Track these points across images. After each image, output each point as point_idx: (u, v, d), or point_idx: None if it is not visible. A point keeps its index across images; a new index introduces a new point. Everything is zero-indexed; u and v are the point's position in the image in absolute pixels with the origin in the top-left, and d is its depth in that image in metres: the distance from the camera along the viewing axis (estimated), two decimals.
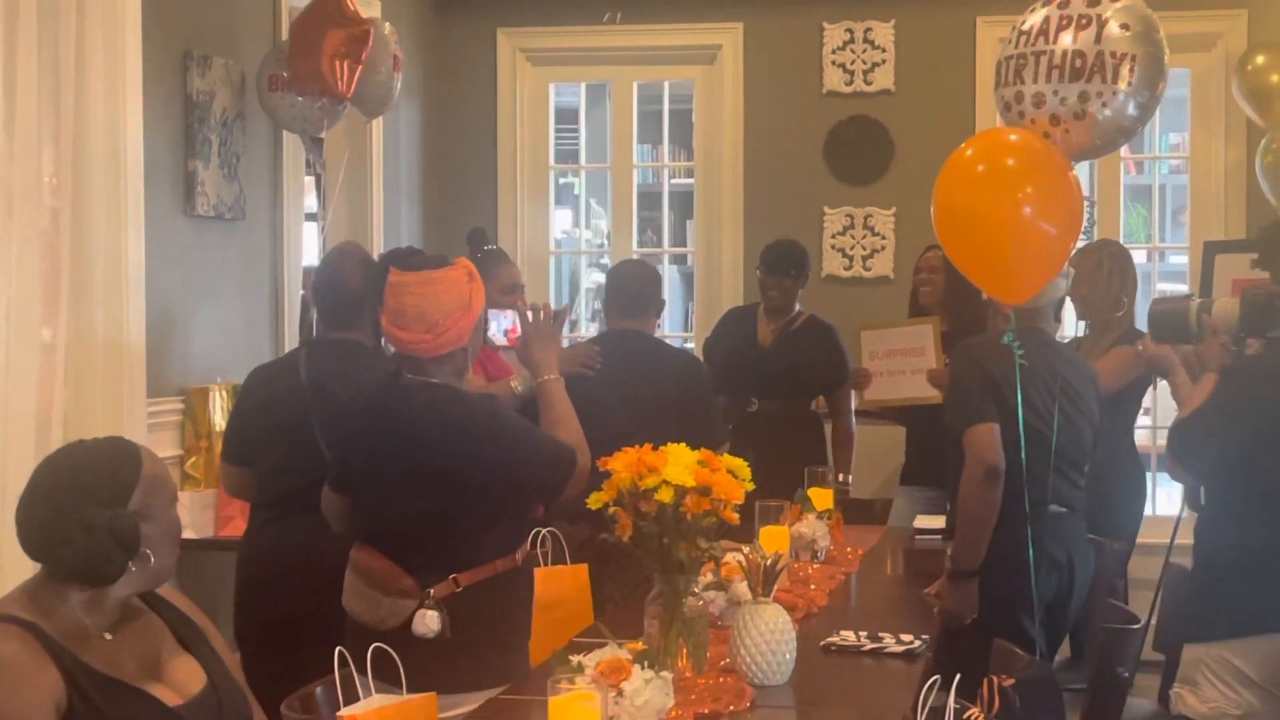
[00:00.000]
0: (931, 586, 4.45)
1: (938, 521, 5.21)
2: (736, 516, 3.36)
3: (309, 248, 6.47)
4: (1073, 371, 4.54)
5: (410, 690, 3.04)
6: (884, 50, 7.65)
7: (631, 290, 5.33)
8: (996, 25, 7.38)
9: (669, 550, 3.31)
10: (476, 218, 7.83)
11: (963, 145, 4.34)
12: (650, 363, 5.19)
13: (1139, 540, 5.78)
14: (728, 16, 7.77)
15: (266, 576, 4.41)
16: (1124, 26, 4.05)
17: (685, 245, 9.06)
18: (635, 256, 7.87)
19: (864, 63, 7.66)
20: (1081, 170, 4.32)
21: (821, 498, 4.92)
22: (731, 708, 3.22)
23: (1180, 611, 4.53)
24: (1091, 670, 4.32)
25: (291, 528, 4.33)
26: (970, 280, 4.40)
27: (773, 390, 6.33)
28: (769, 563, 3.48)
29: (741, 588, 3.69)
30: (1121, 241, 6.73)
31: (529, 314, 4.10)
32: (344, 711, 2.94)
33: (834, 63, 7.68)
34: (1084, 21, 4.07)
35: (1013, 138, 4.20)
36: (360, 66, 5.73)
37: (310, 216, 6.60)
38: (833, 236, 7.69)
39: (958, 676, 2.74)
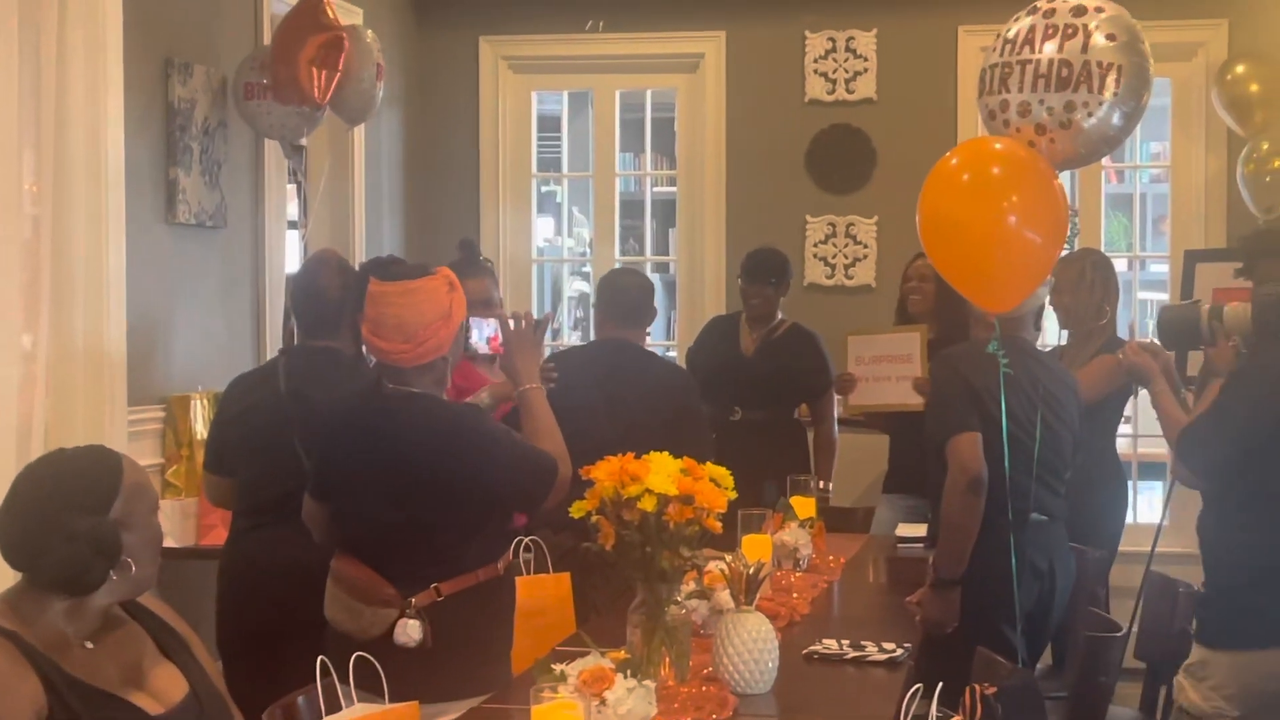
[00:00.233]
0: (914, 595, 4.45)
1: (920, 530, 5.22)
2: (719, 525, 3.36)
3: (291, 256, 6.46)
4: (1053, 380, 4.55)
5: (392, 699, 3.03)
6: (866, 59, 7.66)
7: (630, 300, 5.29)
8: (978, 34, 7.39)
9: (651, 559, 3.31)
10: (459, 226, 7.83)
11: (948, 154, 4.35)
12: (640, 374, 5.18)
13: (1120, 548, 5.79)
14: (710, 25, 7.78)
15: (248, 585, 4.40)
16: (1110, 37, 4.06)
17: (667, 254, 9.05)
18: (618, 265, 7.87)
19: (846, 71, 7.67)
20: (1063, 179, 4.33)
21: (803, 506, 4.92)
22: (714, 716, 3.22)
23: (1180, 612, 4.55)
24: (1073, 678, 4.32)
25: (272, 536, 4.32)
26: (955, 289, 4.41)
27: (755, 399, 6.34)
28: (751, 571, 3.48)
29: (724, 596, 3.68)
30: (1103, 250, 6.75)
31: (510, 322, 4.10)
32: None
33: (816, 71, 7.69)
34: (1070, 31, 4.08)
35: (998, 146, 4.21)
36: (338, 74, 5.72)
37: (292, 224, 6.59)
38: (815, 245, 7.69)
39: (940, 685, 2.74)
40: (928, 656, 4.00)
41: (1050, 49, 4.09)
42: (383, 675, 3.02)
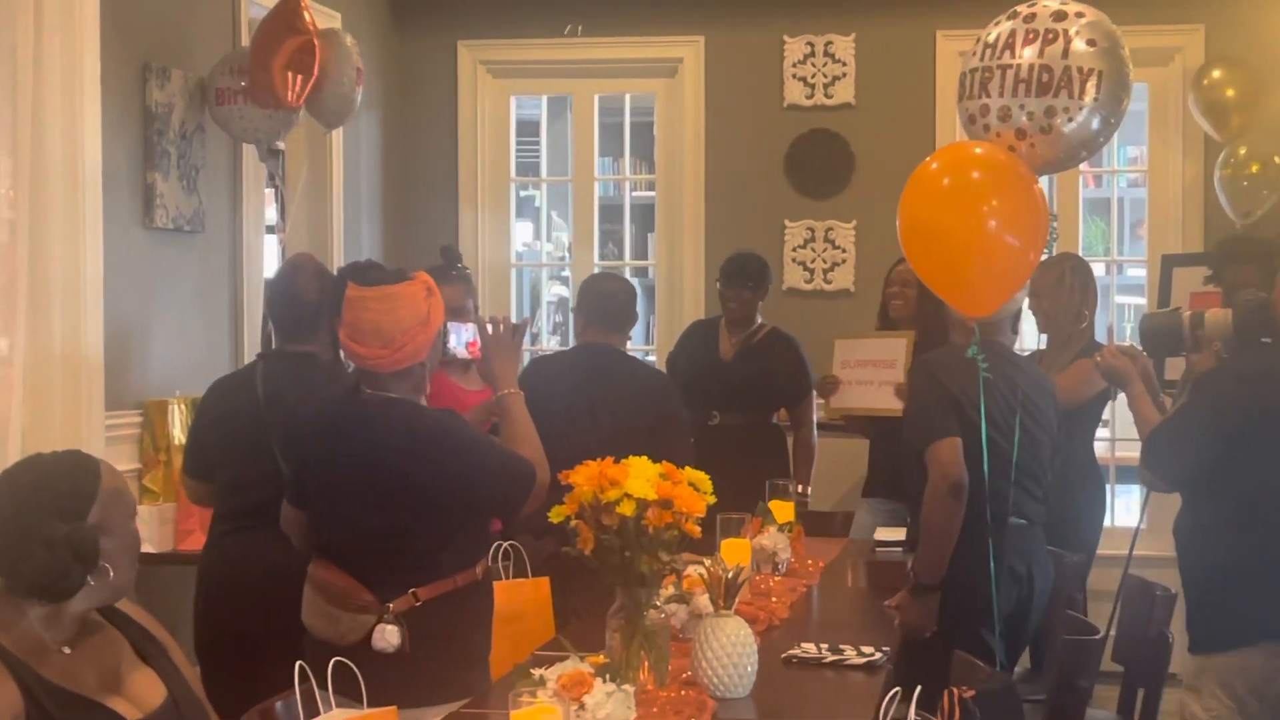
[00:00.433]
0: (892, 598, 4.46)
1: (898, 534, 5.23)
2: (698, 529, 3.36)
3: (269, 260, 6.44)
4: (1031, 384, 4.56)
5: (371, 705, 3.03)
6: (844, 64, 7.67)
7: (615, 305, 5.25)
8: (956, 39, 7.42)
9: (631, 563, 3.31)
10: (437, 230, 7.83)
11: (928, 158, 4.35)
12: (623, 379, 5.16)
13: (1098, 551, 5.80)
14: (689, 30, 7.79)
15: (226, 590, 4.39)
16: (1090, 42, 4.07)
17: (646, 258, 9.05)
18: (597, 269, 7.87)
19: (825, 76, 7.68)
20: (1041, 184, 4.34)
21: (782, 510, 4.92)
22: None
23: (1137, 620, 4.56)
24: (1051, 682, 4.33)
25: (251, 541, 4.32)
26: (935, 294, 4.41)
27: (734, 403, 6.34)
28: (730, 575, 3.48)
29: (703, 600, 3.68)
30: (1080, 255, 6.78)
31: (489, 327, 4.09)
32: None
33: (795, 76, 7.71)
34: (1050, 36, 4.08)
35: (978, 151, 4.22)
36: (311, 78, 5.70)
37: (270, 229, 6.57)
38: (794, 249, 7.70)
39: (918, 688, 2.74)
40: (906, 660, 4.01)
41: (1030, 54, 4.09)
42: (361, 681, 3.01)
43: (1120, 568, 5.71)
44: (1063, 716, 4.05)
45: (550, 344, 10.16)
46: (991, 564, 4.25)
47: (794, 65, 7.71)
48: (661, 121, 8.03)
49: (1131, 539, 6.16)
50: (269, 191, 6.49)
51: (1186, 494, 4.18)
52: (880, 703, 2.78)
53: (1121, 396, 4.88)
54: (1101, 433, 6.37)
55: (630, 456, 3.37)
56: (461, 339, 4.38)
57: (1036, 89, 4.07)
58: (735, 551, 4.22)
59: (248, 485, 4.36)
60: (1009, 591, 4.38)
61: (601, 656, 3.16)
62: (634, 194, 9.13)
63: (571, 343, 5.63)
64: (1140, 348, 4.64)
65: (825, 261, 7.69)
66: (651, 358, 7.97)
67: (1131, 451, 7.69)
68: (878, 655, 3.80)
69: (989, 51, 4.17)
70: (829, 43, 7.68)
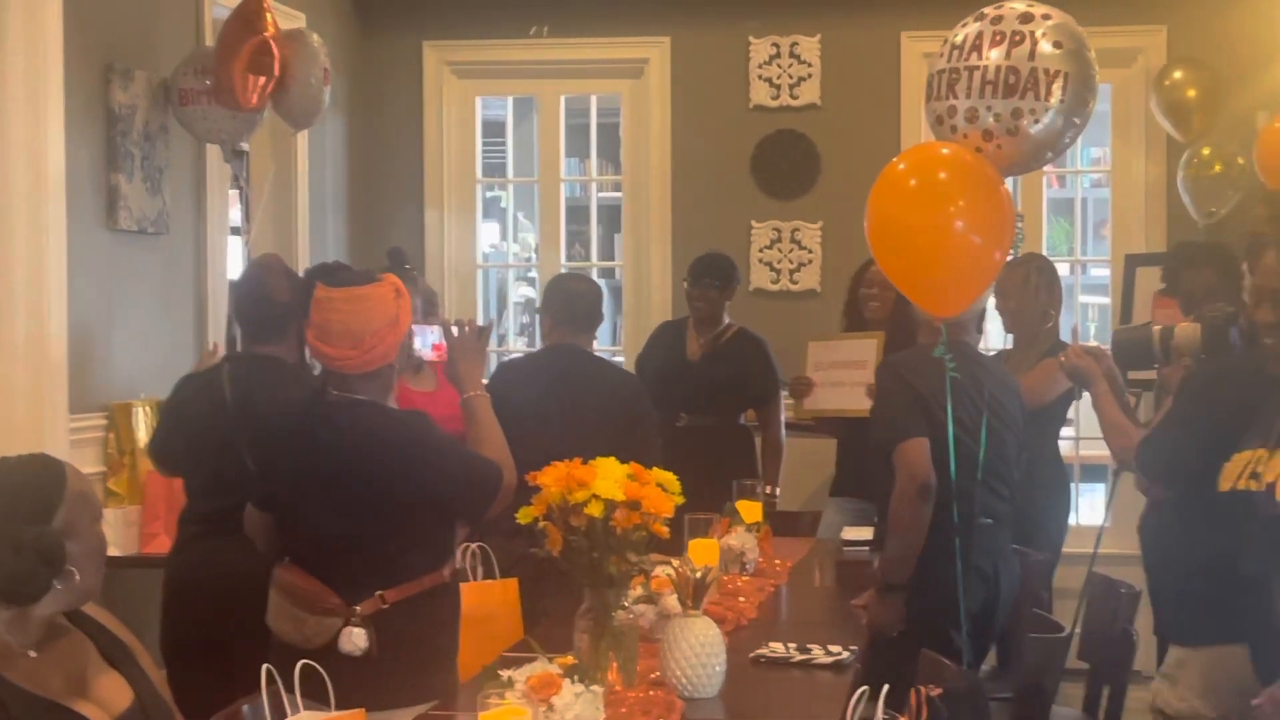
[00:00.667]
0: (860, 598, 4.47)
1: (866, 533, 5.24)
2: (666, 530, 3.36)
3: (233, 262, 6.42)
4: (997, 383, 4.58)
5: (338, 708, 3.02)
6: (810, 65, 7.68)
7: (583, 305, 5.24)
8: (921, 40, 7.44)
9: (599, 564, 3.31)
10: (403, 231, 7.82)
11: (896, 159, 4.37)
12: (593, 380, 5.15)
13: (1062, 550, 5.83)
14: (654, 31, 7.79)
15: (194, 593, 4.38)
16: (1056, 44, 4.08)
17: (613, 259, 9.06)
18: (564, 270, 7.86)
19: (790, 77, 7.69)
20: (1006, 184, 4.35)
21: (750, 510, 4.92)
22: None
23: (1112, 617, 4.58)
24: (1017, 680, 4.35)
25: (219, 545, 4.29)
26: (902, 293, 4.42)
27: (701, 404, 6.35)
28: (698, 576, 3.49)
29: (671, 601, 3.69)
30: (1045, 255, 6.81)
31: (454, 329, 4.08)
32: None
33: (760, 77, 7.72)
34: (1017, 38, 4.09)
35: (945, 152, 4.23)
36: (270, 79, 5.67)
37: (234, 230, 6.55)
38: (760, 250, 7.71)
39: (886, 687, 2.75)
40: (873, 659, 4.02)
41: (997, 55, 4.10)
42: (328, 684, 3.00)
43: (1084, 565, 5.74)
44: (1029, 714, 4.07)
45: (517, 345, 10.14)
46: (959, 563, 4.26)
47: (760, 66, 7.72)
48: (627, 122, 8.03)
49: (1096, 537, 6.20)
50: (233, 193, 6.47)
51: (1182, 494, 4.20)
52: (848, 702, 2.79)
53: (1086, 396, 4.91)
54: (1066, 432, 6.40)
55: (599, 458, 3.37)
56: (426, 341, 4.37)
57: (1003, 90, 4.09)
58: (703, 552, 4.22)
59: (215, 489, 4.35)
60: (976, 590, 4.40)
61: (570, 657, 3.15)
62: (600, 195, 9.14)
63: (538, 344, 5.62)
64: (1107, 350, 4.66)
65: (792, 262, 7.70)
66: (619, 358, 7.97)
67: (1095, 450, 7.76)
68: (845, 654, 3.81)
69: (956, 53, 4.18)
70: (794, 44, 7.69)
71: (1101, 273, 8.59)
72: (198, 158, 6.17)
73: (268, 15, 5.73)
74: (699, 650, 3.41)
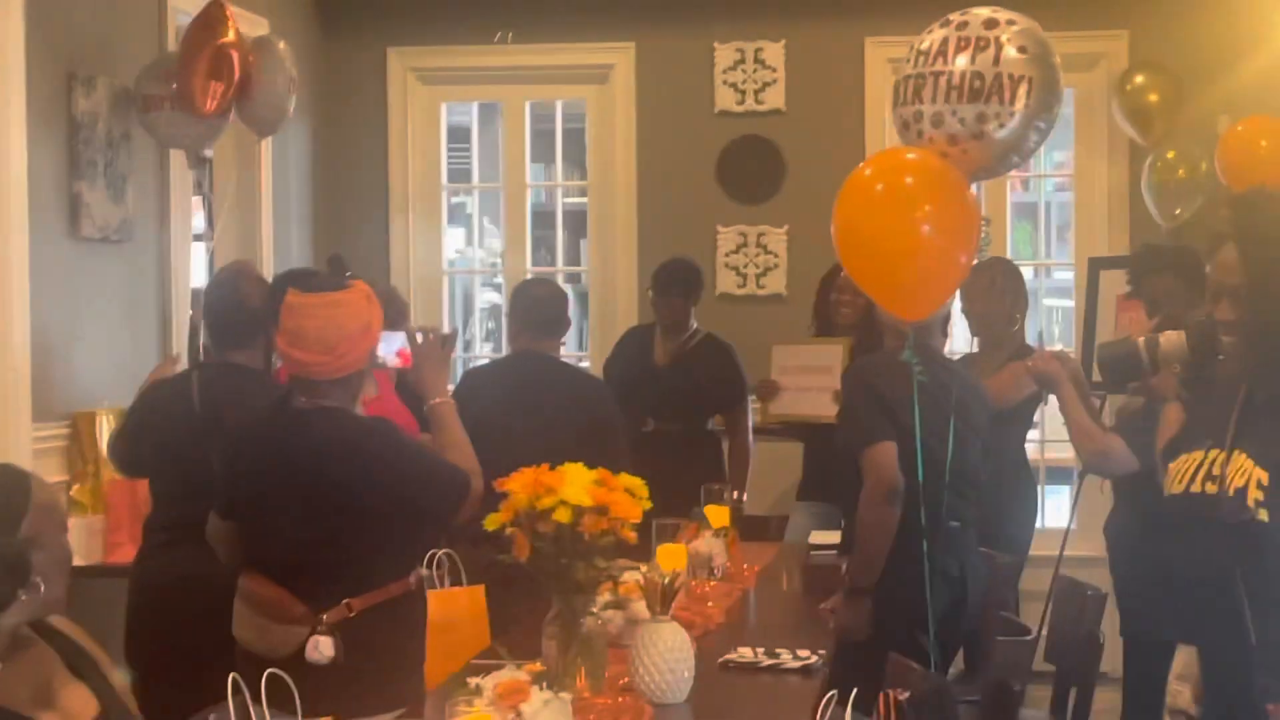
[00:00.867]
0: (828, 602, 4.48)
1: (833, 537, 5.24)
2: (634, 535, 3.36)
3: (197, 269, 6.40)
4: (962, 387, 4.59)
5: (306, 718, 3.01)
6: (775, 70, 7.70)
7: (547, 311, 5.23)
8: (885, 45, 7.46)
9: (567, 570, 3.31)
10: (368, 238, 7.81)
11: (862, 164, 4.38)
12: (557, 386, 5.14)
13: (1029, 553, 5.85)
14: (619, 36, 7.79)
15: (160, 602, 4.36)
16: (1021, 49, 4.10)
17: (579, 264, 9.06)
18: (530, 275, 7.85)
19: (755, 82, 7.70)
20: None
21: (718, 515, 4.93)
22: None
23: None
24: (985, 683, 4.36)
25: (186, 554, 4.26)
26: (870, 297, 4.43)
27: (668, 410, 6.35)
28: (666, 581, 3.49)
29: (639, 606, 3.69)
30: (1009, 258, 6.83)
31: (418, 336, 4.07)
32: None
33: (725, 82, 7.73)
34: (982, 44, 4.11)
35: (910, 157, 4.24)
36: (230, 86, 5.65)
37: (198, 238, 6.52)
38: (726, 255, 7.72)
39: (854, 691, 2.76)
40: (842, 663, 4.02)
41: (963, 61, 4.12)
42: (295, 693, 2.99)
43: (1050, 568, 5.77)
44: (997, 716, 4.08)
45: (483, 351, 10.14)
46: (925, 566, 4.27)
47: (725, 71, 7.73)
48: (593, 128, 8.03)
49: (1062, 540, 6.23)
50: (196, 200, 6.45)
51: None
52: (816, 706, 2.79)
53: (1052, 400, 4.93)
54: (1031, 434, 6.43)
55: (566, 463, 3.37)
56: (391, 348, 4.36)
57: (968, 96, 4.10)
58: (671, 557, 4.22)
59: (182, 497, 4.32)
60: (942, 593, 4.41)
61: (538, 664, 3.16)
62: (566, 200, 9.13)
63: (505, 350, 5.62)
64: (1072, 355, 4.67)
65: (758, 266, 7.71)
66: (586, 364, 7.97)
67: (1060, 452, 7.79)
68: (813, 659, 3.82)
69: (922, 59, 4.20)
70: (759, 49, 7.70)
71: (1065, 276, 8.62)
72: (161, 165, 6.14)
73: (229, 22, 5.71)
74: (668, 656, 3.41)
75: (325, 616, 3.53)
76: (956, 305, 5.48)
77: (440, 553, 4.29)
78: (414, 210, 7.98)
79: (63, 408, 5.41)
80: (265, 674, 2.96)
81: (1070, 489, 7.40)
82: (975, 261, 4.79)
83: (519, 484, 3.30)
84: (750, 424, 6.55)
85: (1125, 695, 5.26)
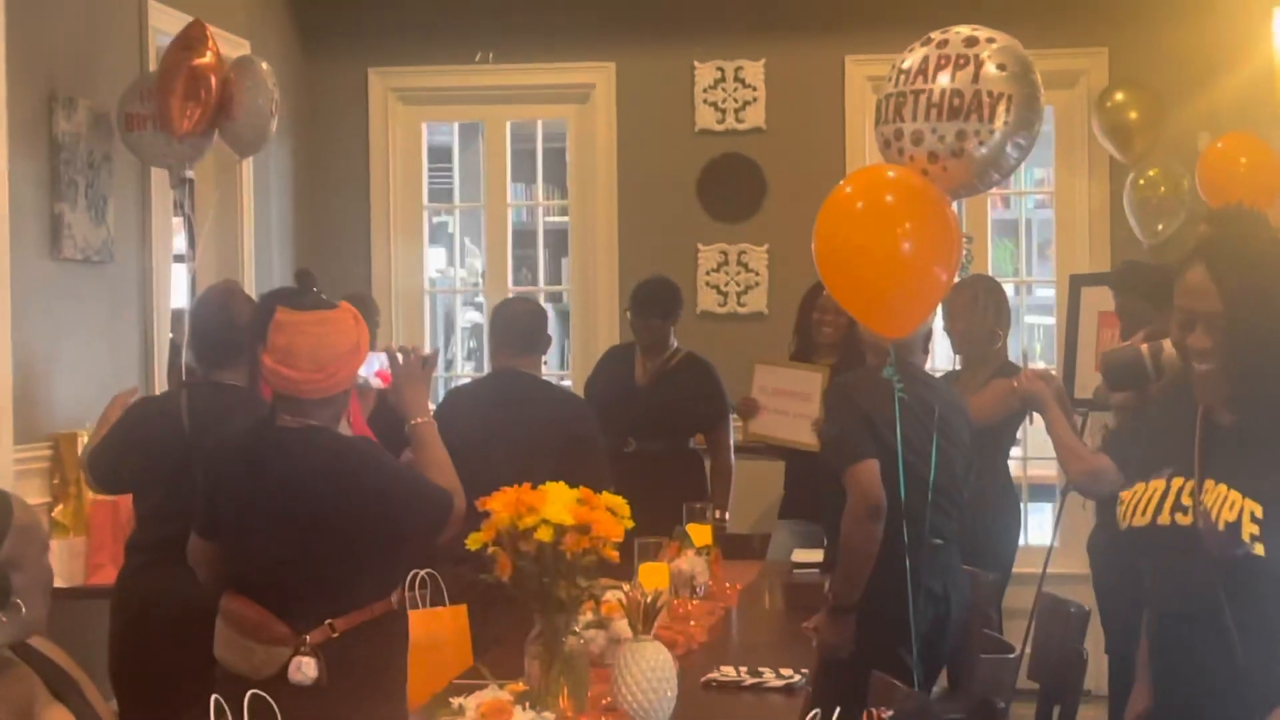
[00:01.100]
0: (810, 620, 4.47)
1: (815, 555, 5.24)
2: (616, 554, 3.36)
3: (177, 290, 6.38)
4: (944, 404, 4.60)
5: None
6: (755, 89, 7.71)
7: (522, 329, 5.24)
8: (865, 64, 7.49)
9: (549, 589, 3.30)
10: (350, 258, 7.81)
11: (842, 182, 4.39)
12: (532, 404, 5.14)
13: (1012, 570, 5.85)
14: (600, 56, 7.80)
15: (143, 623, 4.34)
16: (1001, 67, 4.11)
17: (561, 283, 9.06)
18: (511, 295, 7.85)
19: (735, 101, 7.72)
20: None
21: (700, 534, 4.93)
22: None
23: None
24: (968, 700, 4.36)
25: (168, 574, 4.24)
26: (851, 315, 4.44)
27: (649, 429, 6.34)
28: (649, 600, 3.48)
29: (622, 625, 3.68)
30: (990, 275, 6.85)
31: (399, 357, 4.07)
32: None
33: (706, 101, 7.74)
34: (962, 61, 4.12)
35: (891, 174, 4.26)
36: (205, 107, 5.63)
37: (178, 258, 6.51)
38: (707, 273, 7.73)
39: (837, 709, 2.75)
40: (825, 682, 4.02)
41: (943, 79, 4.13)
42: (278, 715, 2.98)
43: (1033, 585, 5.78)
44: None
45: (465, 370, 10.13)
46: (909, 584, 4.27)
47: (705, 90, 7.75)
48: (574, 147, 8.04)
49: (1045, 557, 6.24)
50: (177, 220, 6.44)
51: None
52: None
53: (1036, 418, 4.94)
54: (1014, 452, 6.44)
55: (545, 481, 3.37)
56: (371, 367, 4.36)
57: (948, 113, 4.11)
58: (653, 576, 4.22)
59: (166, 517, 4.30)
60: (926, 611, 4.41)
61: (521, 684, 3.15)
62: (547, 219, 9.14)
63: (486, 369, 5.62)
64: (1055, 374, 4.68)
65: (739, 285, 7.72)
66: (568, 382, 7.97)
67: (1043, 470, 7.81)
68: (796, 677, 3.82)
69: (904, 77, 4.21)
70: (739, 68, 7.72)
71: (1046, 293, 8.64)
72: (142, 186, 6.14)
73: (209, 42, 5.71)
74: (650, 675, 3.40)
75: (308, 637, 3.53)
76: (938, 323, 5.50)
77: (422, 572, 4.28)
78: (395, 230, 7.99)
79: (44, 429, 5.39)
80: (248, 695, 2.96)
81: (1053, 506, 7.41)
82: (957, 279, 4.81)
83: (501, 503, 3.30)
84: (732, 442, 6.55)
85: (1110, 713, 5.27)
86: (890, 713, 2.89)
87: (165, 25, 6.15)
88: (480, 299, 9.20)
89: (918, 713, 3.31)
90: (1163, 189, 7.07)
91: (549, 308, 6.40)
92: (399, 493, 3.65)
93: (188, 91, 5.59)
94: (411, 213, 8.07)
